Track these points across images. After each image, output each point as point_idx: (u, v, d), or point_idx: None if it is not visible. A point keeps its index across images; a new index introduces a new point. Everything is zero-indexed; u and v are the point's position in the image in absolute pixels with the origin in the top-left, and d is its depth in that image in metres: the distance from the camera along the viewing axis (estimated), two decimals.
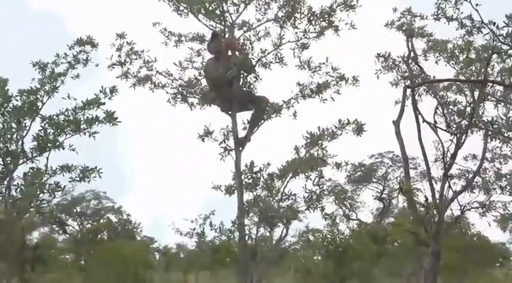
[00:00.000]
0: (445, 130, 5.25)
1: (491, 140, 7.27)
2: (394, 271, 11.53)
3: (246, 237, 5.64)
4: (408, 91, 6.72)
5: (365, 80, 6.48)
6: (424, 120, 5.17)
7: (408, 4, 7.96)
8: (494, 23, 6.99)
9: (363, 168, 25.44)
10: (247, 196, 5.86)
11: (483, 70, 6.11)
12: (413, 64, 6.64)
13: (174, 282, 8.90)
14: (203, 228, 5.95)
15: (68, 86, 6.81)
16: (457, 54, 7.80)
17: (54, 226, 25.22)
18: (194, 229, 6.09)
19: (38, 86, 6.46)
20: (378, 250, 12.43)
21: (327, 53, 6.42)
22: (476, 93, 7.17)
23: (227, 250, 24.18)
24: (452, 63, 7.86)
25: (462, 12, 7.30)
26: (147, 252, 18.73)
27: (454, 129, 5.51)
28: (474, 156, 7.96)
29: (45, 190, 5.60)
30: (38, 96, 6.42)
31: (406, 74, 7.46)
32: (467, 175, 8.28)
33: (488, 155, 8.54)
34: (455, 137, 5.33)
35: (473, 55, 7.68)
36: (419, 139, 5.11)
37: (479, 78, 7.17)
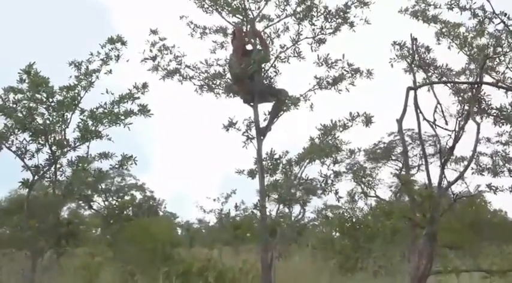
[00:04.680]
0: (443, 128, 5.73)
1: (500, 126, 7.59)
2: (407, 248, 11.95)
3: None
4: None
5: (379, 66, 6.89)
6: (424, 118, 5.65)
7: None
8: (505, 14, 7.27)
9: (382, 146, 25.72)
10: (267, 180, 6.41)
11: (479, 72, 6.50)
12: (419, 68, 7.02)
13: (200, 257, 9.58)
14: (228, 210, 6.51)
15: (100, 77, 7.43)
16: (469, 40, 8.08)
17: (80, 202, 26.40)
18: (222, 210, 6.67)
19: (76, 83, 7.12)
20: (393, 228, 12.87)
21: (342, 44, 6.82)
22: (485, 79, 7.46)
23: (247, 226, 24.99)
24: (465, 50, 8.16)
25: (475, 3, 7.61)
26: (173, 229, 19.62)
27: (456, 118, 5.90)
28: (488, 139, 8.32)
29: (90, 176, 6.29)
30: (76, 91, 7.08)
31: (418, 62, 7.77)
32: (478, 157, 8.66)
33: (502, 139, 8.88)
34: (453, 133, 5.76)
35: (485, 40, 7.95)
36: (420, 136, 5.62)
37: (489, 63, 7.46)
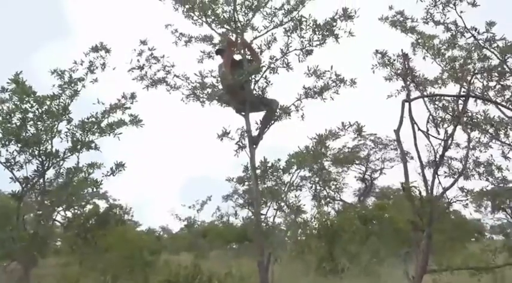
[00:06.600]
0: (435, 137, 6.11)
1: (469, 132, 8.13)
2: (387, 252, 12.40)
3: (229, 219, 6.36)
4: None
5: (360, 73, 7.22)
6: (418, 129, 6.02)
7: (402, 6, 8.65)
8: (475, 29, 7.86)
9: (346, 151, 26.51)
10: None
11: (466, 86, 6.98)
12: (409, 79, 7.44)
13: (176, 264, 9.53)
14: (228, 215, 6.62)
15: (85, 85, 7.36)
16: (443, 51, 8.62)
17: (39, 212, 25.44)
18: (224, 217, 6.75)
19: (60, 92, 7.03)
20: (367, 231, 13.35)
21: (327, 54, 7.11)
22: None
23: (215, 233, 24.99)
24: (438, 60, 8.70)
25: (448, 18, 8.17)
26: (150, 237, 19.40)
27: (444, 130, 6.32)
28: (457, 145, 8.90)
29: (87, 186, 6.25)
30: (62, 100, 6.99)
31: (399, 71, 8.22)
32: (450, 162, 9.20)
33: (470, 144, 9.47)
34: (443, 141, 6.19)
35: (457, 52, 8.52)
36: (415, 145, 5.98)
37: (463, 74, 8.00)
